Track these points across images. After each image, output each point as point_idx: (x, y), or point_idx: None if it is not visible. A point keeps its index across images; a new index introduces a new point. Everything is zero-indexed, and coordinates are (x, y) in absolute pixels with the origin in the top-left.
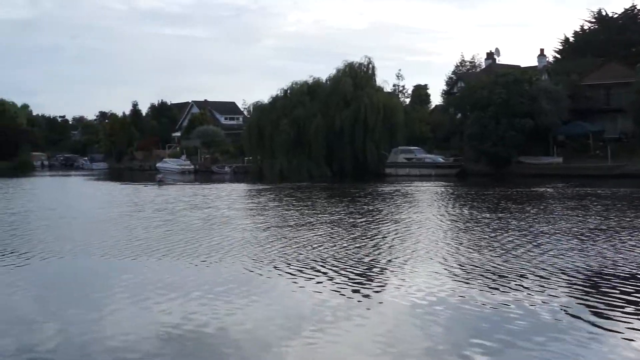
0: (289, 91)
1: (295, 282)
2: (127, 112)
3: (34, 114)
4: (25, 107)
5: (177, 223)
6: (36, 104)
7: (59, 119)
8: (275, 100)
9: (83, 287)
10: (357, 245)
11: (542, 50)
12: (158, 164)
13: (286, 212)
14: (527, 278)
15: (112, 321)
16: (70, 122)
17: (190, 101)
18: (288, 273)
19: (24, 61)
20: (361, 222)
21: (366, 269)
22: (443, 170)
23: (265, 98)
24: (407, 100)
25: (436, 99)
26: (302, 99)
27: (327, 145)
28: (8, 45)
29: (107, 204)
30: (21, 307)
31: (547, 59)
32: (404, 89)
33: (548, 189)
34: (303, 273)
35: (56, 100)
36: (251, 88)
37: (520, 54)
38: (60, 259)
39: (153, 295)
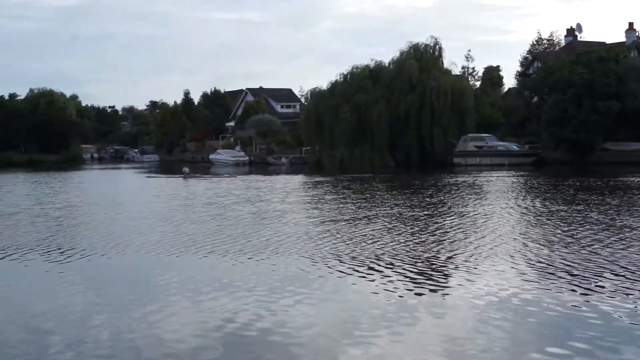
0: (349, 76)
1: (350, 281)
2: (179, 102)
3: (83, 104)
4: (74, 97)
5: (227, 218)
6: (85, 94)
7: (109, 110)
8: (334, 85)
9: (129, 285)
10: (417, 240)
11: (630, 24)
12: (211, 156)
13: (343, 205)
14: (604, 277)
15: (161, 319)
16: (120, 113)
17: (244, 89)
18: (342, 271)
19: (73, 50)
20: (423, 215)
21: (426, 267)
22: (517, 159)
23: (323, 84)
24: (478, 84)
25: (509, 82)
26: (363, 84)
27: (391, 133)
28: (57, 34)
29: (155, 198)
30: (68, 304)
31: (636, 34)
32: (473, 71)
33: (638, 179)
34: (359, 270)
35: (106, 90)
36: (309, 74)
37: (605, 29)
38: (104, 256)
39: (202, 293)
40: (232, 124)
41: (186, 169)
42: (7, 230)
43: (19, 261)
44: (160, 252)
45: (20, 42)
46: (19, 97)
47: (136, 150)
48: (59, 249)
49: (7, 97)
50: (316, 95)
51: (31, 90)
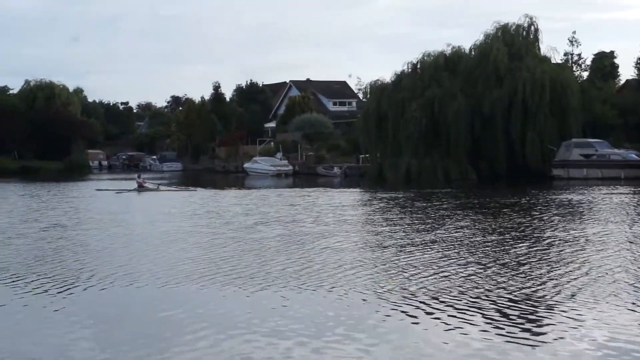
0: (418, 65)
1: (409, 323)
2: (207, 97)
3: (90, 100)
4: (79, 91)
5: (247, 241)
6: (92, 87)
7: (121, 107)
8: (400, 77)
9: (139, 324)
10: (500, 273)
11: None
12: (246, 165)
13: (404, 226)
14: None
15: None
16: (135, 111)
17: (287, 81)
18: (396, 308)
19: (77, 34)
20: (508, 241)
21: (512, 308)
22: (637, 171)
23: (387, 75)
24: (585, 74)
25: (627, 71)
26: (437, 75)
27: (471, 137)
28: (58, 14)
29: (166, 216)
30: (76, 347)
31: None
32: (579, 58)
33: None
34: (421, 309)
35: (117, 82)
36: (368, 63)
37: None
38: (110, 288)
39: (233, 335)
40: (272, 124)
41: (140, 179)
42: None
43: (4, 292)
44: (167, 282)
45: (14, 24)
46: (11, 91)
47: (154, 156)
48: (46, 277)
49: None
50: (377, 89)
51: (27, 82)
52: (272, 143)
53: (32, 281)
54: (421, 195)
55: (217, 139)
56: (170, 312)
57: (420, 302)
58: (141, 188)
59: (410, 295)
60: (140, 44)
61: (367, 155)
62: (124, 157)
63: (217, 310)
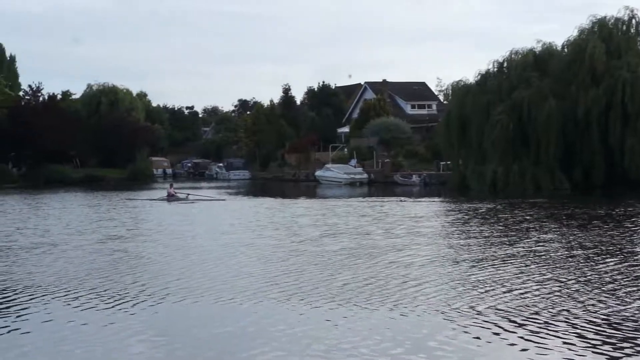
0: (505, 64)
1: (479, 342)
2: (276, 100)
3: (154, 104)
4: (142, 95)
5: (310, 254)
6: (155, 91)
7: (186, 111)
8: (484, 78)
9: (197, 340)
10: (590, 290)
11: None
12: (317, 172)
13: (479, 240)
14: None
15: None
16: (201, 115)
17: (362, 83)
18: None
19: (139, 36)
20: (599, 256)
21: (596, 326)
22: None
23: (469, 76)
24: None
25: None
26: (525, 75)
27: (564, 143)
28: (119, 14)
29: (231, 227)
30: None
31: None
32: None
33: None
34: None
35: (182, 86)
36: (449, 63)
37: None
38: (161, 303)
39: (288, 354)
40: (345, 129)
41: (171, 189)
42: (52, 264)
43: (72, 306)
44: (221, 297)
45: (74, 25)
46: (73, 96)
47: (220, 164)
48: (98, 291)
49: (60, 96)
50: (460, 91)
51: (89, 86)
52: (345, 149)
53: (82, 295)
54: (506, 205)
55: (286, 145)
56: (223, 329)
57: (488, 322)
58: (171, 197)
59: (477, 315)
60: (207, 44)
61: (448, 163)
62: (189, 164)
63: (272, 327)
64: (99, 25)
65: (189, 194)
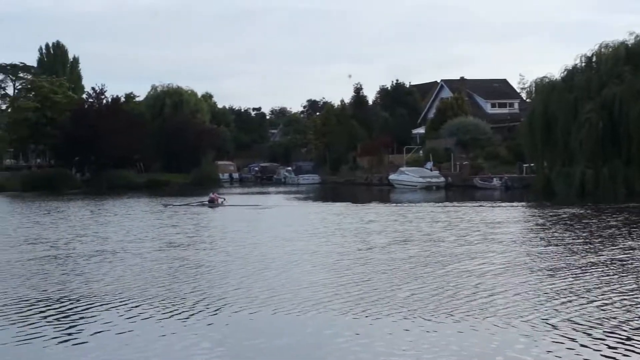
0: (594, 58)
1: (548, 355)
2: (347, 100)
3: (219, 106)
4: (207, 96)
5: (377, 263)
6: (221, 92)
7: (253, 113)
8: (571, 74)
9: (257, 352)
10: None
11: None
12: (391, 176)
13: (560, 247)
14: None
15: None
16: (268, 117)
17: (438, 81)
18: (538, 345)
19: (205, 35)
20: None
21: None
22: None
23: (555, 71)
24: None
25: None
26: (617, 70)
27: None
28: (184, 14)
29: (295, 234)
30: None
31: None
32: None
33: None
34: (566, 344)
35: (248, 86)
36: (531, 58)
37: None
38: (218, 314)
39: None
40: (421, 130)
41: (212, 195)
42: (109, 272)
43: (128, 316)
44: (281, 308)
45: (137, 25)
46: (137, 98)
47: (289, 168)
48: (156, 300)
49: (123, 98)
50: (544, 88)
51: (153, 87)
52: (421, 151)
53: (139, 305)
54: (594, 210)
55: (358, 147)
56: (283, 340)
57: (563, 336)
58: (212, 203)
59: (551, 329)
60: (274, 43)
61: (532, 165)
62: (256, 168)
63: (332, 339)
64: (163, 24)
65: (224, 200)
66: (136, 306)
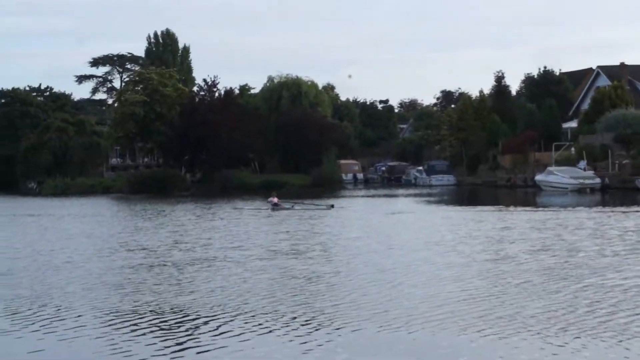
0: None
1: None
2: (487, 91)
3: (342, 98)
4: (329, 89)
5: (504, 275)
6: (344, 83)
7: (379, 106)
8: None
9: None
10: None
11: None
12: (538, 177)
13: None
14: None
15: None
16: (397, 110)
17: (593, 67)
18: None
19: (326, 22)
20: None
21: None
22: None
23: None
24: None
25: None
26: None
27: None
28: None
29: (416, 242)
30: None
31: None
32: None
33: None
34: None
35: (374, 77)
36: None
37: None
38: (347, 331)
39: None
40: (572, 124)
41: (272, 200)
42: (205, 283)
43: (220, 332)
44: (383, 325)
45: (250, 13)
46: (252, 90)
47: (420, 167)
48: (258, 314)
49: (237, 91)
50: None
51: (270, 79)
52: (572, 148)
53: (232, 320)
54: None
55: (500, 144)
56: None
57: None
58: (275, 207)
59: None
60: (404, 29)
61: None
62: (383, 168)
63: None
64: (280, 10)
65: (294, 204)
66: (229, 321)
